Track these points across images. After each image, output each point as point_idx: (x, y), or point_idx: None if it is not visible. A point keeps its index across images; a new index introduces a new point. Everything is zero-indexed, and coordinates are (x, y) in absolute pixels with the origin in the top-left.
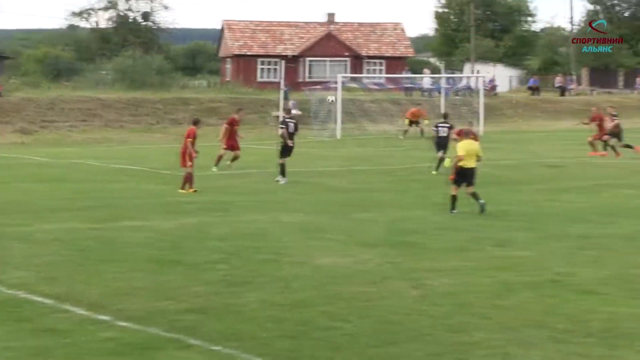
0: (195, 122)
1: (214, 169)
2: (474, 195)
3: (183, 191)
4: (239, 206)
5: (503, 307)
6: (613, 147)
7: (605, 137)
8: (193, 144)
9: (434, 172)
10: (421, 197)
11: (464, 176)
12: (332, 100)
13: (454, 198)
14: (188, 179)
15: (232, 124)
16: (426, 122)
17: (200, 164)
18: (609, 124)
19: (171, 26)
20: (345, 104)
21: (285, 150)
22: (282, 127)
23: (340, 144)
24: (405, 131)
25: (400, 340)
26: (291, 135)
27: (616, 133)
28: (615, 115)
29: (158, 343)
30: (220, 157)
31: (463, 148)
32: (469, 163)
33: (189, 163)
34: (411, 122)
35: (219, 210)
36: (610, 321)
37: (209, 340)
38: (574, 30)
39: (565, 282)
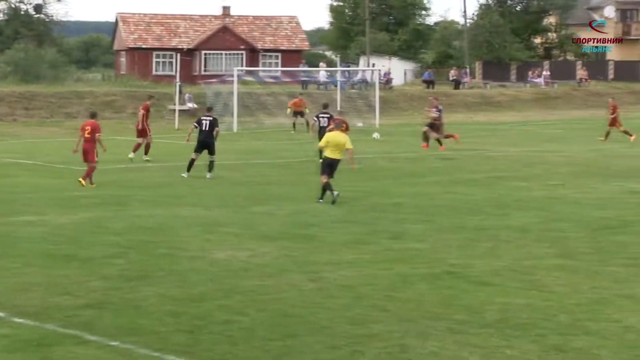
0: (93, 115)
1: (131, 155)
2: (328, 185)
3: (83, 182)
4: (136, 200)
5: (400, 299)
6: (430, 138)
7: (425, 129)
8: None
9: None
10: (318, 190)
11: (329, 166)
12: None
13: (323, 187)
14: (91, 172)
15: (148, 109)
16: (307, 110)
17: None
18: (432, 115)
19: (64, 19)
20: (241, 97)
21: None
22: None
23: (237, 137)
24: (293, 124)
25: (299, 333)
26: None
27: (436, 124)
28: (437, 108)
29: (54, 339)
30: (138, 145)
31: (326, 139)
32: (332, 154)
33: (96, 157)
34: (295, 113)
35: (117, 204)
36: (505, 312)
37: (107, 335)
38: (468, 24)
39: (461, 273)
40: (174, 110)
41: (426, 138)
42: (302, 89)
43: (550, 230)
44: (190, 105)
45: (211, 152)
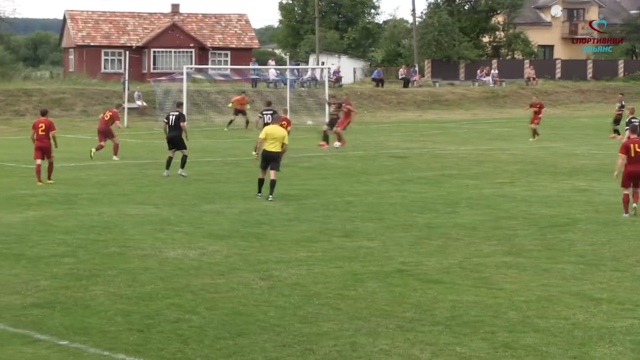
0: (44, 113)
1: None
2: (273, 184)
3: (51, 181)
4: (85, 199)
5: (351, 297)
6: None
7: (325, 127)
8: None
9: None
10: (268, 188)
11: (267, 159)
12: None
13: (260, 181)
14: (51, 169)
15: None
16: (248, 106)
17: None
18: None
19: (12, 16)
20: (191, 95)
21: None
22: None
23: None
24: (230, 121)
25: (250, 332)
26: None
27: (334, 120)
28: (342, 104)
29: (4, 339)
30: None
31: (265, 131)
32: (271, 147)
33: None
34: (236, 111)
35: (66, 203)
36: (455, 309)
37: (56, 334)
38: (417, 23)
39: (411, 271)
40: (123, 108)
41: (326, 137)
42: (252, 87)
43: (500, 228)
44: (139, 103)
45: (180, 147)
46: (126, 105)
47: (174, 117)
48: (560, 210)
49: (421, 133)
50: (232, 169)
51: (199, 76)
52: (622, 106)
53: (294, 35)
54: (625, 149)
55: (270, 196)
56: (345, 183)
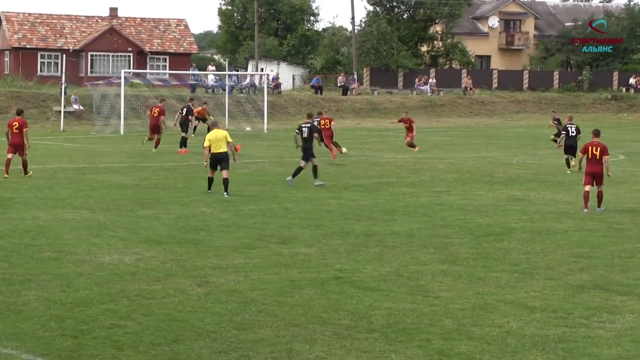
0: (19, 113)
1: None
2: (226, 182)
3: (29, 173)
4: (19, 203)
5: (288, 304)
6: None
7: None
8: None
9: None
10: (206, 194)
11: (216, 161)
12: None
13: (209, 180)
14: (26, 164)
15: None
16: (210, 118)
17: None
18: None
19: None
20: (129, 100)
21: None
22: (296, 132)
23: (124, 140)
24: (195, 127)
25: (185, 338)
26: (306, 140)
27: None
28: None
29: None
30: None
31: (207, 138)
32: (217, 149)
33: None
34: (198, 119)
35: None
36: (391, 316)
37: None
38: (356, 31)
39: (348, 278)
40: (60, 111)
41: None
42: (191, 92)
43: (436, 236)
44: (76, 107)
45: (311, 157)
46: (62, 109)
47: (306, 128)
48: (495, 219)
49: (359, 141)
50: (169, 175)
51: (137, 80)
52: (557, 119)
53: (233, 41)
54: (584, 150)
55: (226, 193)
56: (283, 190)
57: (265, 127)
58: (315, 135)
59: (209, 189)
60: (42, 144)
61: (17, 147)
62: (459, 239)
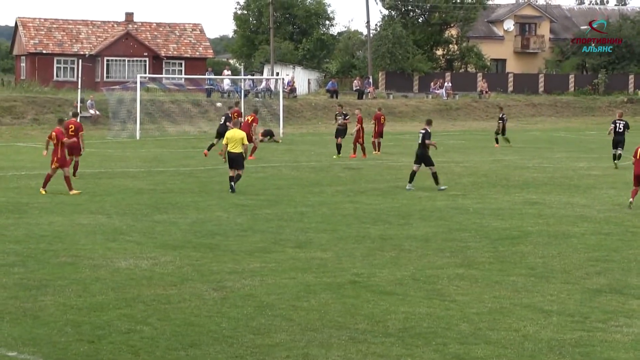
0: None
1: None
2: (238, 177)
3: (76, 177)
4: (36, 208)
5: (304, 309)
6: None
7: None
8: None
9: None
10: (222, 198)
11: (230, 160)
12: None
13: (230, 178)
14: (77, 166)
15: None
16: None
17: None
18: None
19: None
20: (144, 105)
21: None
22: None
23: (140, 144)
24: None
25: (202, 343)
26: (419, 146)
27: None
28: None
29: None
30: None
31: (226, 136)
32: (234, 148)
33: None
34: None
35: (15, 211)
36: (408, 321)
37: (5, 346)
38: (371, 35)
39: (364, 282)
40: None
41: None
42: (207, 97)
43: (452, 240)
44: (92, 111)
45: (428, 163)
46: (79, 113)
47: (421, 134)
48: (511, 222)
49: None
50: (185, 179)
51: (152, 85)
52: (502, 118)
53: (249, 45)
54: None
55: (233, 183)
56: (299, 194)
57: (281, 131)
58: (427, 141)
59: (230, 188)
60: None
61: (73, 148)
62: (475, 243)
